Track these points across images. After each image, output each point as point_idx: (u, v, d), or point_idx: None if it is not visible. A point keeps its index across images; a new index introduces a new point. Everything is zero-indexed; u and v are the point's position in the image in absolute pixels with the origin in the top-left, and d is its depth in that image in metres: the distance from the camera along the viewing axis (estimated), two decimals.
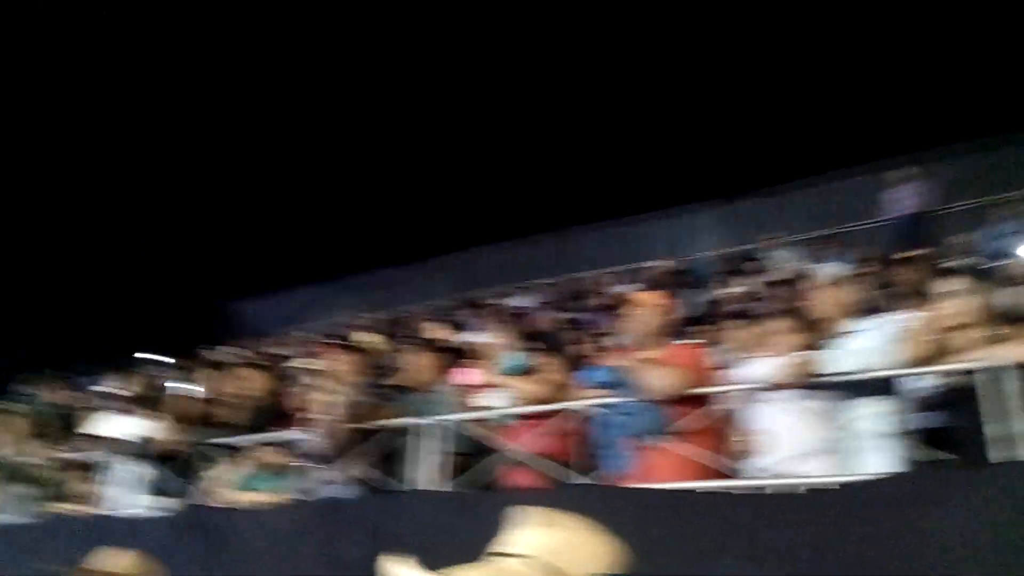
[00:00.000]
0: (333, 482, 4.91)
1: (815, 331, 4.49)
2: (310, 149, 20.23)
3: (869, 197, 11.11)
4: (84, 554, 3.50)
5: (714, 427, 4.24)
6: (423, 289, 15.33)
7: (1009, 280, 5.25)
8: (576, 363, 5.05)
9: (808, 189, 13.02)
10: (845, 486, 3.31)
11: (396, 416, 4.98)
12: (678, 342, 4.66)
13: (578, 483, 4.28)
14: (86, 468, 6.64)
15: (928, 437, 3.76)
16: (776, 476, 3.92)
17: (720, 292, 8.68)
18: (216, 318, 17.92)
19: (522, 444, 4.60)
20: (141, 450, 6.05)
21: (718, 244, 12.85)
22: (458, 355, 5.97)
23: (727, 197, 13.89)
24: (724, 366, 4.60)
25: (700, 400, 4.24)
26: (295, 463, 5.24)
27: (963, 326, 3.80)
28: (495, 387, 5.21)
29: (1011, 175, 10.68)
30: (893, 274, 5.88)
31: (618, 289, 9.56)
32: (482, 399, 5.26)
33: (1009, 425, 3.37)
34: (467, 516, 3.67)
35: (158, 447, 5.94)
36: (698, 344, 4.79)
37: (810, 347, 4.32)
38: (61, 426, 7.60)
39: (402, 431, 4.90)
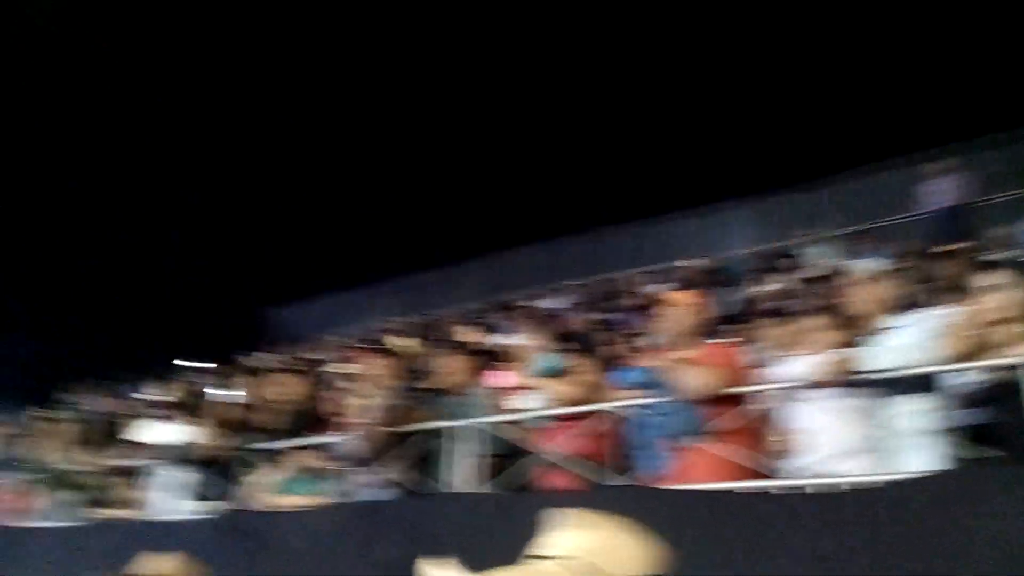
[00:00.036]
0: (370, 485, 4.95)
1: (853, 328, 4.43)
2: (344, 158, 20.40)
3: (906, 190, 10.93)
4: (128, 558, 3.56)
5: (751, 427, 4.20)
6: (456, 292, 15.39)
7: None
8: (610, 364, 5.03)
9: (844, 184, 12.86)
10: (889, 484, 3.25)
11: (431, 419, 5.01)
12: (713, 341, 4.62)
13: (615, 484, 4.27)
14: (129, 474, 6.76)
15: (972, 434, 3.69)
16: (815, 475, 3.87)
17: (755, 290, 8.59)
18: (253, 325, 18.16)
19: (557, 446, 4.59)
20: (183, 455, 6.15)
21: (752, 241, 12.73)
22: (491, 357, 5.98)
23: (761, 194, 13.74)
24: (760, 365, 4.55)
25: (736, 400, 4.20)
26: (333, 466, 5.29)
27: (1005, 320, 3.73)
28: (529, 389, 5.21)
29: None
30: (932, 269, 5.78)
31: (651, 289, 9.51)
32: (516, 401, 5.26)
33: None
34: (504, 518, 3.67)
35: (199, 452, 6.03)
36: (733, 343, 4.75)
37: (848, 344, 4.26)
38: (105, 433, 7.74)
39: (437, 434, 4.93)
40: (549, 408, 4.83)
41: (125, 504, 6.54)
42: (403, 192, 20.09)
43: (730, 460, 4.07)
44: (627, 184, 17.57)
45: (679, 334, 4.47)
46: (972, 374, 3.78)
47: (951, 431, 3.73)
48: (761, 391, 4.24)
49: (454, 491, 4.63)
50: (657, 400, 4.35)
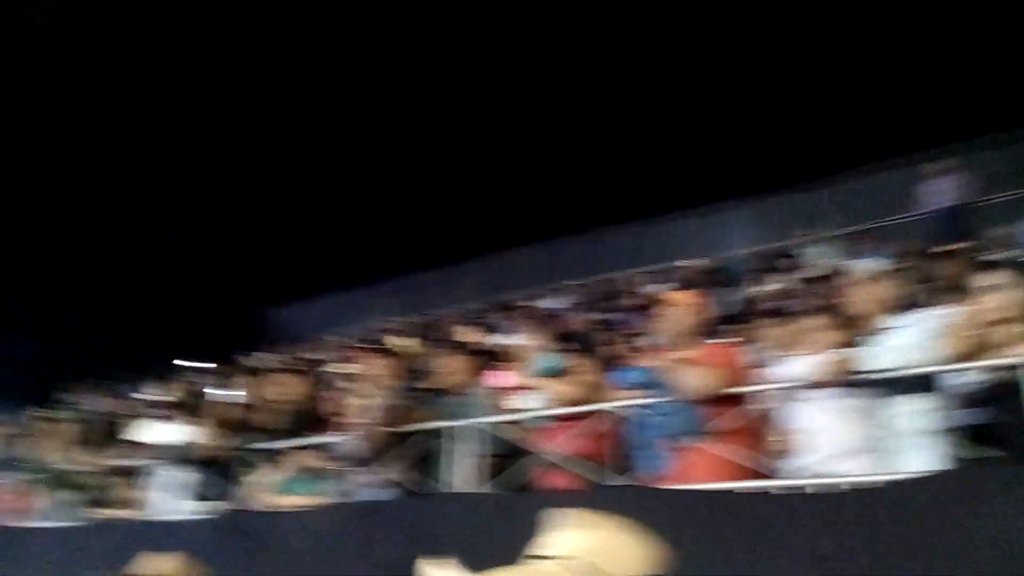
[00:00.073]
0: (370, 485, 4.95)
1: (853, 328, 4.43)
2: (344, 158, 20.41)
3: (906, 191, 10.93)
4: (128, 558, 3.56)
5: (751, 427, 4.20)
6: (456, 292, 15.39)
7: None
8: (610, 364, 5.04)
9: (844, 184, 12.86)
10: (889, 484, 3.25)
11: (431, 419, 5.01)
12: (713, 341, 4.62)
13: (615, 484, 4.27)
14: (129, 474, 6.76)
15: (972, 434, 3.69)
16: (815, 476, 3.87)
17: (755, 290, 8.59)
18: (253, 325, 18.16)
19: (557, 446, 4.59)
20: (183, 455, 6.15)
21: (752, 241, 12.73)
22: (491, 358, 5.98)
23: (761, 194, 13.74)
24: (760, 365, 4.55)
25: (736, 400, 4.20)
26: (333, 467, 5.29)
27: (1005, 320, 3.73)
28: (529, 389, 5.21)
29: None
30: (932, 269, 5.78)
31: (651, 289, 9.51)
32: (516, 401, 5.26)
33: None
34: (504, 518, 3.68)
35: (199, 452, 6.03)
36: (733, 343, 4.75)
37: (848, 344, 4.26)
38: (105, 433, 7.75)
39: (437, 434, 4.93)
40: (549, 408, 4.84)
41: (125, 504, 6.55)
42: (403, 192, 20.10)
43: (730, 460, 4.07)
44: (627, 184, 17.58)
45: (679, 334, 4.48)
46: (972, 374, 3.78)
47: (951, 431, 3.73)
48: (761, 391, 4.24)
49: (454, 491, 4.64)
50: (657, 400, 4.35)
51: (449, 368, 5.35)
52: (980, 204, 10.17)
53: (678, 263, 11.75)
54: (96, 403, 9.54)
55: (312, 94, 20.20)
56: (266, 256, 20.19)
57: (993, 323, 3.75)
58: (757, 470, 4.02)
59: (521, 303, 11.14)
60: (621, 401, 4.53)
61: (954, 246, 6.40)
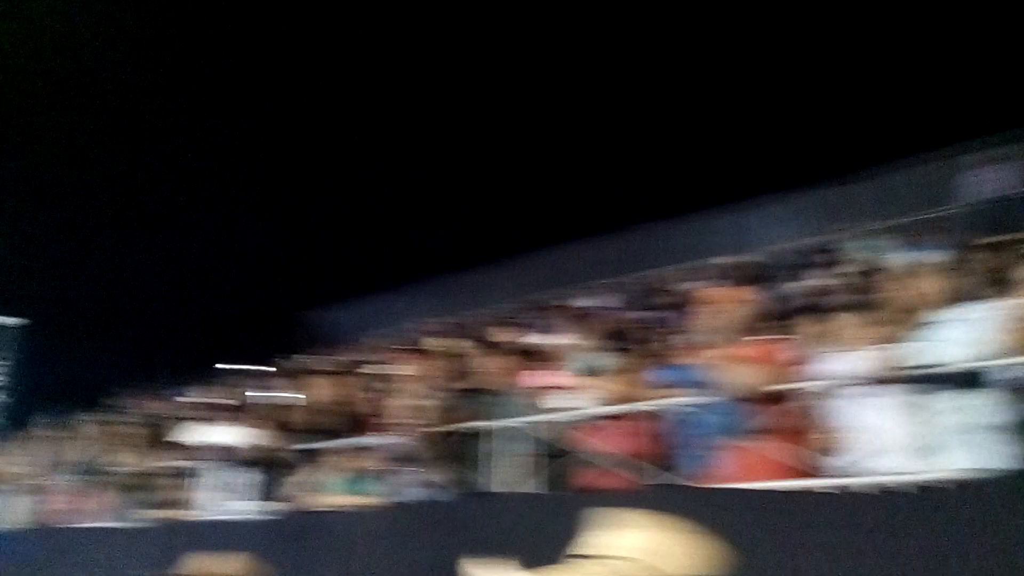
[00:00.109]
0: (418, 485, 4.99)
1: (897, 323, 4.36)
2: (381, 162, 20.57)
3: (948, 183, 10.72)
4: (176, 558, 3.63)
5: (798, 424, 4.16)
6: (495, 292, 15.38)
7: None
8: (653, 362, 5.01)
9: (883, 177, 12.62)
10: (956, 483, 3.19)
11: (475, 419, 5.03)
12: (758, 338, 4.58)
13: (661, 484, 4.25)
14: (177, 475, 6.89)
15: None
16: (866, 474, 3.82)
17: (798, 286, 8.48)
18: (293, 328, 18.36)
19: (601, 445, 4.59)
20: (228, 457, 6.25)
21: (794, 236, 12.55)
22: (534, 357, 5.99)
23: (799, 188, 13.56)
24: (806, 361, 4.50)
25: (782, 397, 4.17)
26: (378, 467, 5.34)
27: None
28: (572, 388, 5.21)
29: None
30: (979, 261, 5.66)
31: (694, 286, 9.44)
32: (560, 400, 5.26)
33: None
34: (557, 518, 3.68)
35: (244, 454, 6.13)
36: (778, 340, 4.70)
37: (893, 340, 4.20)
38: (153, 435, 7.90)
39: (483, 434, 4.95)
40: (594, 407, 4.83)
41: (177, 505, 6.67)
42: (439, 194, 20.19)
43: (778, 459, 4.03)
44: (663, 181, 17.47)
45: (723, 331, 4.45)
46: (1022, 368, 3.70)
47: (1003, 427, 3.66)
48: (808, 388, 4.19)
49: (507, 492, 4.64)
50: (702, 398, 4.33)
51: (491, 368, 5.37)
52: None
53: (719, 260, 11.63)
54: (143, 406, 9.72)
55: (351, 99, 20.40)
56: (305, 260, 20.42)
57: None
58: (804, 468, 3.98)
59: (563, 302, 11.12)
60: (665, 399, 4.51)
61: (999, 238, 6.27)
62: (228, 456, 6.32)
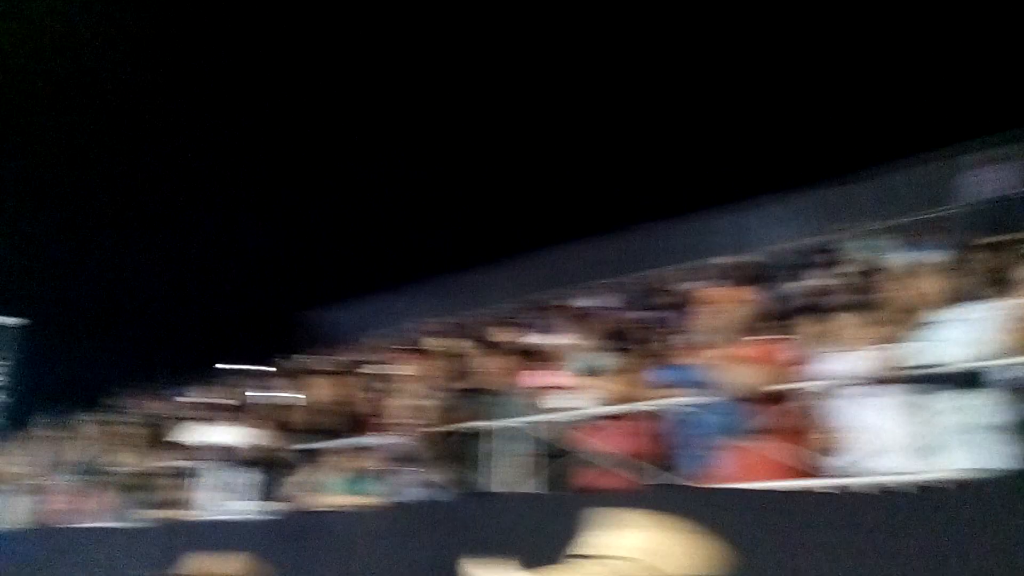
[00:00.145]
0: (418, 485, 4.99)
1: (897, 323, 4.36)
2: (380, 161, 20.57)
3: (947, 183, 10.72)
4: (176, 558, 3.63)
5: (798, 424, 4.16)
6: (495, 292, 15.38)
7: None
8: (653, 362, 5.01)
9: (883, 177, 12.62)
10: (956, 484, 3.19)
11: (475, 419, 5.03)
12: (758, 338, 4.58)
13: (661, 484, 4.25)
14: (177, 475, 6.89)
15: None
16: (866, 474, 3.82)
17: (798, 286, 8.48)
18: (295, 328, 18.36)
19: (601, 445, 4.59)
20: (228, 457, 6.25)
21: (794, 236, 12.55)
22: (534, 357, 5.99)
23: (801, 188, 13.56)
24: (806, 361, 4.50)
25: (782, 397, 4.17)
26: (378, 467, 5.34)
27: None
28: (572, 388, 5.21)
29: None
30: (979, 261, 5.66)
31: (693, 286, 9.44)
32: (560, 400, 5.26)
33: None
34: (557, 518, 3.68)
35: (244, 454, 6.13)
36: (778, 340, 4.70)
37: (893, 340, 4.20)
38: (155, 435, 7.90)
39: (483, 434, 4.95)
40: (594, 407, 4.83)
41: (177, 505, 6.68)
42: (439, 194, 20.19)
43: (777, 459, 4.03)
44: (662, 181, 17.47)
45: (724, 331, 4.45)
46: (1021, 368, 3.70)
47: (1003, 427, 3.66)
48: (808, 388, 4.20)
49: (508, 491, 4.64)
50: (702, 398, 4.33)
51: (491, 368, 5.37)
52: None
53: (716, 260, 11.63)
54: (143, 406, 9.73)
55: (351, 99, 20.40)
56: (305, 260, 20.44)
57: None
58: (804, 468, 3.98)
59: (562, 302, 11.12)
60: (665, 399, 4.51)
61: (999, 238, 6.27)
62: (228, 456, 6.32)
